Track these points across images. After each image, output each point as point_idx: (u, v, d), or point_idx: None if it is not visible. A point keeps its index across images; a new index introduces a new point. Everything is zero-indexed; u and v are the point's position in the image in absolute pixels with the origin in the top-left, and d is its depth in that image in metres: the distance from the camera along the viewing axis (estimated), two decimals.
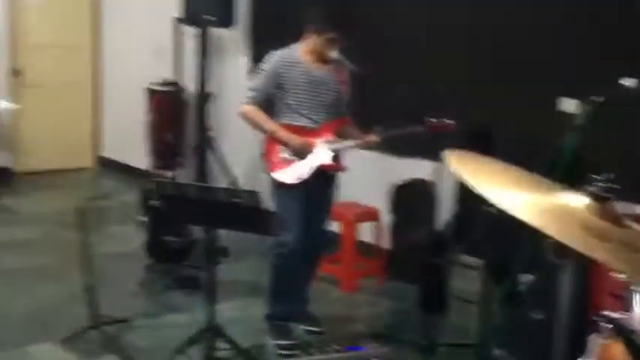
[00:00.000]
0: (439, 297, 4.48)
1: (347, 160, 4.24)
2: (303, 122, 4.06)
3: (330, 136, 4.11)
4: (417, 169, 5.24)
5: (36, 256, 5.52)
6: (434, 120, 4.06)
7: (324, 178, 4.15)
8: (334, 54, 3.98)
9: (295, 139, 4.01)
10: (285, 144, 4.02)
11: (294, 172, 4.04)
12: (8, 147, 7.68)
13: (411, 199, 5.22)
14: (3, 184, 7.17)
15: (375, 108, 4.84)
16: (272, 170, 4.06)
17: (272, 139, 4.06)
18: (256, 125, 4.10)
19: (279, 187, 4.06)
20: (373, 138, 4.13)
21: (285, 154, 4.04)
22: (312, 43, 4.05)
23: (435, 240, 4.72)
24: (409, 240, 5.20)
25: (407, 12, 5.32)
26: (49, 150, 8.05)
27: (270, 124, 4.05)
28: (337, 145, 4.12)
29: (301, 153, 4.03)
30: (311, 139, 4.04)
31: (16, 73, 7.66)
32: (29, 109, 7.73)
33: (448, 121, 4.08)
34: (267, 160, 4.10)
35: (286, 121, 4.07)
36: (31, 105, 7.78)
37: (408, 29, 5.31)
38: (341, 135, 4.17)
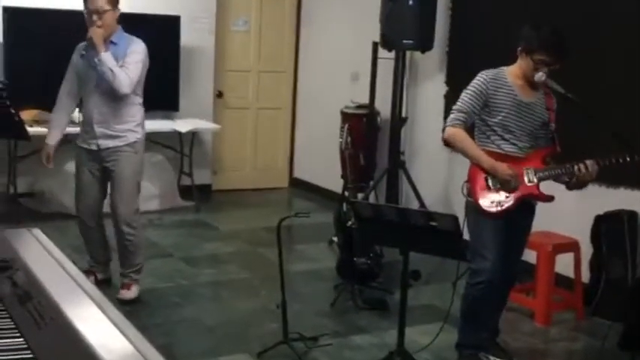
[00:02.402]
0: None
1: (552, 189, 4.03)
2: (509, 149, 3.91)
3: (537, 165, 3.93)
4: (623, 199, 4.94)
5: (231, 270, 5.73)
6: None
7: (525, 206, 3.98)
8: (541, 76, 3.80)
9: (503, 171, 3.83)
10: (493, 173, 3.87)
11: (499, 202, 3.88)
12: (209, 165, 8.07)
13: (615, 232, 4.91)
14: (203, 200, 7.51)
15: (586, 137, 4.59)
16: (476, 197, 3.91)
17: (478, 166, 3.92)
18: (462, 150, 3.94)
19: (481, 215, 3.91)
20: (584, 169, 3.82)
21: (490, 183, 3.88)
22: (521, 65, 3.89)
23: None
24: (612, 275, 4.90)
25: (621, 33, 5.06)
26: (246, 169, 8.40)
27: (477, 152, 3.89)
28: (545, 174, 3.92)
29: (508, 184, 3.87)
30: (518, 170, 3.87)
31: (219, 95, 8.05)
32: (230, 129, 8.11)
33: None
34: (471, 186, 3.94)
35: (492, 147, 3.92)
36: (232, 126, 8.16)
37: (620, 52, 5.04)
38: (549, 164, 3.97)
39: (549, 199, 3.98)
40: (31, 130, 5.60)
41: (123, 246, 4.86)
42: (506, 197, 3.88)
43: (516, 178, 3.85)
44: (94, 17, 4.50)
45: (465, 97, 3.92)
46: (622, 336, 4.33)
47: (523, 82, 3.92)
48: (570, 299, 5.06)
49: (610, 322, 4.43)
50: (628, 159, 3.79)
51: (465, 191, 3.97)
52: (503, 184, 3.86)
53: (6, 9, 6.61)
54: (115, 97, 4.60)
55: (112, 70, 4.47)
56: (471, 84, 3.94)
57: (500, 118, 3.89)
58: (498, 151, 3.92)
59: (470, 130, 3.97)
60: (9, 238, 2.37)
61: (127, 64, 4.55)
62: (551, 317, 4.89)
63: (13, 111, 4.40)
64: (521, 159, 3.92)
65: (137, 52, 4.62)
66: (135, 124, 4.73)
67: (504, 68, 3.97)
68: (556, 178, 3.96)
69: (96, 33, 4.48)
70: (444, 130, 4.01)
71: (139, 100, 4.76)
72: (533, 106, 3.93)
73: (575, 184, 3.91)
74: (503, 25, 5.68)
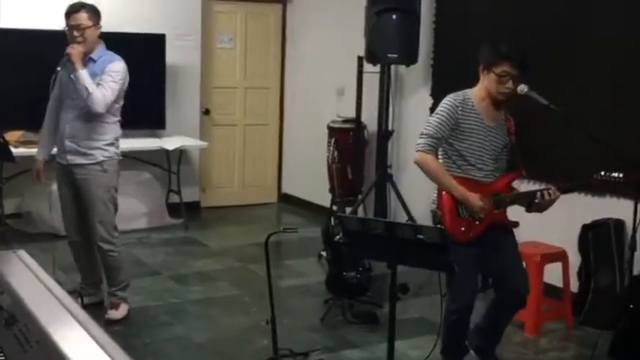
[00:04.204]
0: (635, 345, 4.17)
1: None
2: (475, 174, 3.89)
3: (504, 190, 3.94)
4: (609, 207, 4.97)
5: (221, 287, 5.71)
6: (603, 174, 3.79)
7: (498, 227, 3.96)
8: (523, 88, 3.77)
9: (475, 202, 3.81)
10: (464, 203, 3.84)
11: (468, 229, 3.88)
12: (197, 183, 8.07)
13: (603, 240, 4.93)
14: (191, 218, 7.50)
15: (554, 156, 4.62)
16: (446, 225, 3.85)
17: (449, 194, 3.88)
18: (434, 177, 3.89)
19: (453, 243, 3.91)
20: (547, 196, 3.82)
21: (460, 211, 3.86)
22: (485, 84, 3.86)
23: (632, 285, 4.42)
24: (601, 284, 4.92)
25: (603, 48, 5.10)
26: (235, 186, 8.41)
27: (449, 180, 3.85)
28: (512, 198, 3.93)
29: (477, 214, 3.86)
30: (485, 196, 3.85)
31: (206, 112, 8.05)
32: (217, 146, 8.11)
33: (617, 176, 3.77)
34: (442, 213, 3.90)
35: (458, 172, 3.90)
36: (220, 143, 8.16)
37: (603, 65, 5.09)
38: (514, 189, 4.00)
39: (515, 224, 4.01)
40: (17, 151, 5.59)
41: (106, 263, 4.87)
42: (476, 224, 3.89)
43: (486, 210, 3.85)
44: (75, 33, 4.53)
45: (435, 121, 3.86)
46: (612, 344, 4.34)
47: (487, 103, 3.89)
48: (559, 309, 5.07)
49: (600, 331, 4.44)
50: (588, 182, 3.91)
51: (434, 219, 3.95)
52: (473, 214, 3.87)
53: None
54: (88, 115, 4.59)
55: (87, 89, 4.47)
56: (440, 108, 3.89)
57: (469, 143, 3.88)
58: (465, 176, 3.89)
59: (436, 154, 3.94)
60: None
61: (105, 82, 4.55)
62: (540, 327, 4.90)
63: None
64: (488, 184, 3.92)
65: (115, 71, 4.60)
66: (105, 143, 4.70)
67: (468, 91, 3.93)
68: (520, 203, 3.96)
69: (75, 50, 4.50)
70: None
71: (114, 119, 4.74)
72: (496, 130, 3.93)
73: (536, 208, 3.92)
74: (486, 37, 5.68)
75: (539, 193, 3.86)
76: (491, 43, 3.89)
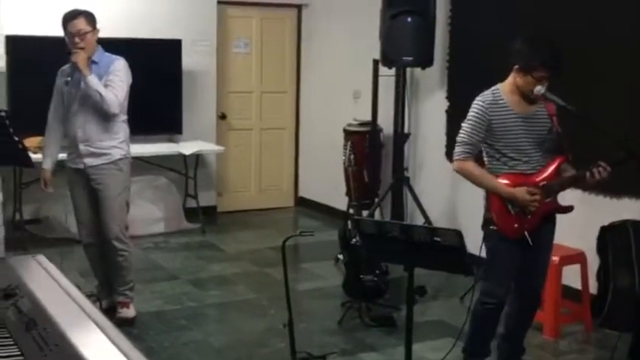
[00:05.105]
0: None
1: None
2: (521, 168, 3.86)
3: (551, 178, 3.88)
4: (627, 209, 4.94)
5: (239, 291, 5.73)
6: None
7: (545, 221, 3.94)
8: (540, 90, 3.75)
9: (523, 197, 3.79)
10: (513, 201, 3.82)
11: (521, 225, 3.85)
12: (214, 187, 8.09)
13: (621, 242, 4.90)
14: (208, 222, 7.52)
15: (588, 144, 4.59)
16: (498, 224, 3.86)
17: (495, 194, 3.86)
18: (477, 182, 3.91)
19: (502, 240, 3.87)
20: (601, 171, 3.74)
21: (510, 208, 3.84)
22: (517, 82, 3.82)
23: None
24: (620, 285, 4.89)
25: (619, 46, 5.07)
26: (251, 190, 8.43)
27: (492, 182, 3.85)
28: (561, 185, 3.89)
29: (528, 207, 3.83)
30: (534, 191, 3.81)
31: (222, 116, 8.08)
32: (234, 151, 8.14)
33: None
34: (492, 214, 3.88)
35: (504, 169, 3.88)
36: (236, 147, 8.19)
37: (615, 61, 5.06)
38: (562, 175, 3.92)
39: (569, 209, 3.99)
40: (36, 157, 5.63)
41: (116, 262, 4.91)
42: (529, 218, 3.86)
43: (537, 202, 3.82)
44: (76, 39, 4.62)
45: (467, 127, 3.86)
46: (631, 346, 4.31)
47: (519, 97, 3.86)
48: (578, 311, 5.04)
49: (619, 333, 4.41)
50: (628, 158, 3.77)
51: (485, 222, 3.93)
52: (523, 208, 3.84)
53: (9, 38, 6.67)
54: (99, 116, 4.68)
55: (99, 93, 4.56)
56: (471, 113, 3.87)
57: (507, 140, 3.85)
58: (513, 172, 3.87)
59: (478, 156, 3.94)
60: (14, 265, 2.39)
61: (112, 82, 4.64)
62: (559, 330, 4.87)
63: (16, 138, 4.45)
64: (535, 175, 3.88)
65: (120, 69, 4.70)
66: (119, 141, 4.79)
67: (498, 87, 3.90)
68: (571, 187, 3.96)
69: (80, 57, 4.58)
70: (447, 148, 3.98)
71: (123, 117, 4.83)
72: (536, 118, 3.89)
73: (591, 185, 3.92)
74: (501, 39, 5.67)
75: (588, 173, 3.78)
76: (530, 43, 3.82)
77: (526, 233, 3.85)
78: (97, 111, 4.65)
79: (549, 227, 4.02)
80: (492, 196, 3.89)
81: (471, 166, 3.87)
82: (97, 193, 4.81)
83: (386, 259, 4.57)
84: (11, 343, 1.95)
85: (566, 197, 4.13)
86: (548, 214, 3.93)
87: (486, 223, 3.93)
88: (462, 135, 3.88)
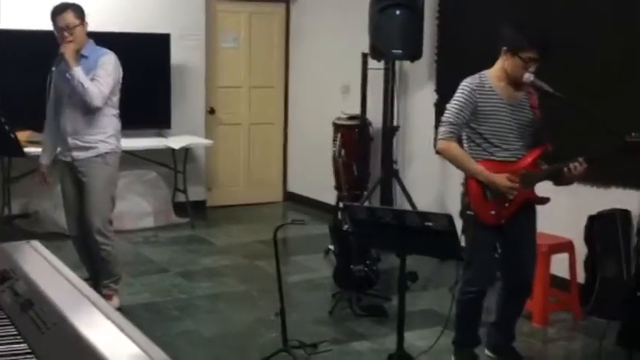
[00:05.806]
0: None
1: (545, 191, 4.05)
2: (501, 155, 3.88)
3: (531, 167, 3.92)
4: (615, 198, 4.99)
5: (229, 283, 5.74)
6: (634, 135, 3.64)
7: (524, 210, 3.97)
8: (529, 77, 3.79)
9: (502, 183, 3.81)
10: (491, 187, 3.84)
11: (498, 212, 3.88)
12: (203, 182, 8.09)
13: (609, 231, 4.94)
14: (197, 216, 7.52)
15: (573, 132, 4.62)
16: (475, 210, 3.88)
17: (474, 179, 3.88)
18: (458, 164, 3.92)
19: (479, 226, 3.90)
20: (577, 166, 3.76)
21: (488, 194, 3.87)
22: (505, 66, 3.85)
23: (639, 274, 4.43)
24: (607, 274, 4.93)
25: (599, 29, 5.11)
26: (240, 185, 8.43)
27: (473, 165, 3.86)
28: (540, 175, 3.92)
29: (506, 195, 3.86)
30: (514, 176, 3.86)
31: (211, 111, 8.08)
32: (223, 145, 8.14)
33: None
34: (469, 199, 3.91)
35: (484, 155, 3.90)
36: (225, 142, 8.19)
37: (603, 46, 5.10)
38: (540, 165, 3.95)
39: (545, 200, 4.01)
40: (25, 150, 5.62)
41: (99, 257, 4.92)
42: (506, 205, 3.89)
43: (515, 190, 3.85)
44: (65, 33, 4.63)
45: (453, 108, 3.88)
46: (619, 334, 4.35)
47: (506, 83, 3.89)
48: (567, 300, 5.09)
49: (607, 321, 4.45)
50: (618, 146, 3.73)
51: (463, 208, 3.95)
52: (502, 195, 3.86)
53: None
54: (87, 109, 4.68)
55: (83, 85, 4.57)
56: (457, 94, 3.90)
57: (490, 124, 3.87)
58: (491, 158, 3.89)
59: (459, 140, 3.96)
60: (9, 251, 2.39)
61: (99, 76, 4.64)
62: (548, 318, 4.92)
63: (7, 128, 4.46)
64: (515, 163, 3.91)
65: (107, 63, 4.70)
66: (106, 135, 4.79)
67: (485, 72, 3.93)
68: (548, 178, 3.97)
69: (68, 48, 4.60)
70: (435, 140, 4.00)
71: (113, 111, 4.84)
72: (518, 107, 3.92)
73: (565, 181, 3.91)
74: (490, 31, 5.71)
75: (566, 168, 3.80)
76: (516, 26, 3.89)
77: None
78: (84, 104, 4.66)
79: (530, 217, 4.05)
80: (471, 180, 3.90)
81: (454, 147, 3.88)
82: (82, 186, 4.82)
83: (377, 246, 4.58)
84: (8, 323, 1.96)
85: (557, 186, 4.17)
86: (525, 204, 3.95)
87: (464, 209, 3.96)
88: (447, 115, 3.89)
